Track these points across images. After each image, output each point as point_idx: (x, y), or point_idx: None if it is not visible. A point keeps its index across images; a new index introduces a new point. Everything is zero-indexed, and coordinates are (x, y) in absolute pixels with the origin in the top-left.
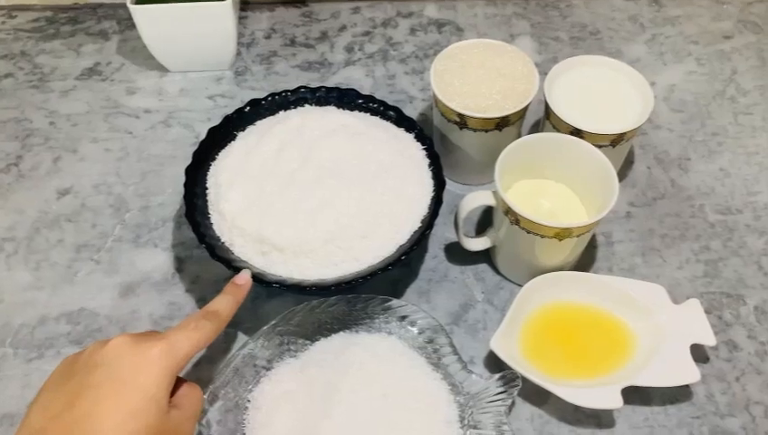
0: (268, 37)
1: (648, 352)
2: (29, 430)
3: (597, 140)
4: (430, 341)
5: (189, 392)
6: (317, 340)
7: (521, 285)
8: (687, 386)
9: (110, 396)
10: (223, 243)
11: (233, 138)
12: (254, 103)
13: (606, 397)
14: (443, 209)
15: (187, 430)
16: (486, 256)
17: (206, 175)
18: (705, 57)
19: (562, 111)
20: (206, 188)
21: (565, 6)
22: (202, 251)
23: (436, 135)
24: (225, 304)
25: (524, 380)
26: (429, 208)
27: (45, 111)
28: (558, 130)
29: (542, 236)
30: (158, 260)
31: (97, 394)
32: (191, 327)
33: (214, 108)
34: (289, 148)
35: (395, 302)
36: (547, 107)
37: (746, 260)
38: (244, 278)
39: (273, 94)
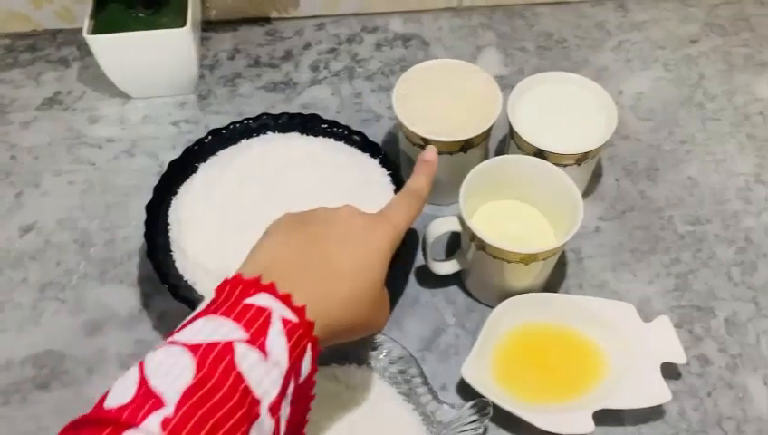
0: (232, 58)
1: (620, 372)
2: (269, 256)
3: (561, 160)
4: (402, 371)
5: None
6: None
7: (492, 307)
8: (660, 404)
9: (347, 247)
10: (186, 281)
11: (194, 170)
12: (214, 133)
13: (577, 422)
14: (411, 232)
15: (388, 307)
16: (457, 278)
17: (167, 210)
18: (673, 62)
19: (525, 131)
20: (168, 224)
21: (531, 15)
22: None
23: (402, 157)
24: (423, 181)
25: (496, 407)
26: None
27: (6, 144)
28: (522, 150)
29: (509, 262)
30: (125, 296)
31: (337, 241)
32: (404, 205)
33: (178, 134)
34: (252, 179)
35: None
36: (511, 127)
37: (716, 271)
38: (432, 153)
39: (234, 123)
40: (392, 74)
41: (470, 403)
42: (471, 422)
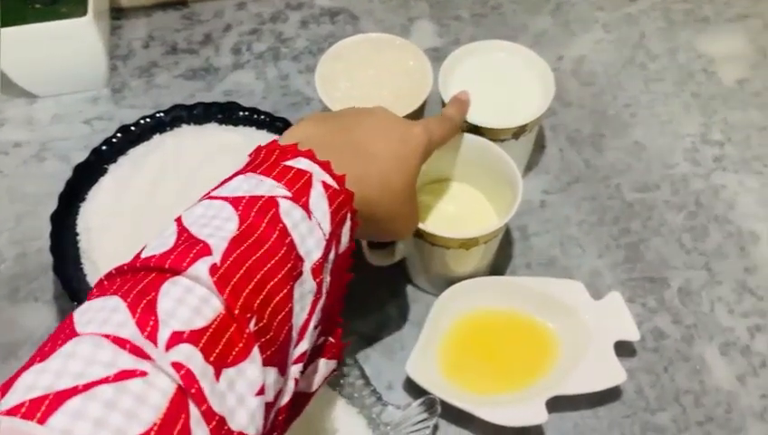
0: (146, 46)
1: (573, 354)
2: (303, 135)
3: (498, 135)
4: (344, 375)
5: None
6: None
7: (437, 295)
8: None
9: (383, 137)
10: None
11: (103, 172)
12: (124, 130)
13: (530, 412)
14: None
15: (417, 215)
16: (399, 268)
17: (76, 218)
18: (613, 23)
19: None
20: (77, 234)
21: None
22: None
23: None
24: (456, 111)
25: (446, 402)
26: None
27: None
28: None
29: (449, 248)
30: (40, 315)
31: (372, 130)
32: (440, 120)
33: (91, 133)
34: (166, 179)
35: None
36: (443, 103)
37: (667, 239)
38: (466, 95)
39: (144, 117)
40: (320, 53)
41: (417, 402)
42: (419, 422)
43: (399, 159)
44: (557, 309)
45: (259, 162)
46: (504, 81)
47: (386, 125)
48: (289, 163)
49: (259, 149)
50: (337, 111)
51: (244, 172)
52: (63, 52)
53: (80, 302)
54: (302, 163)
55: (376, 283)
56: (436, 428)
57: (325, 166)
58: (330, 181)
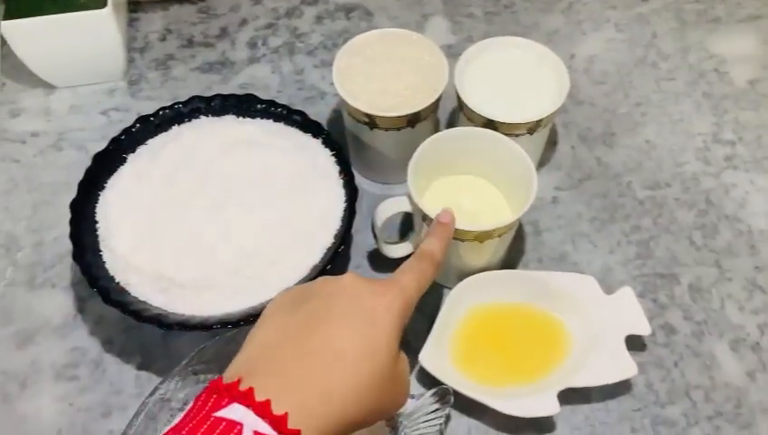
0: (163, 39)
1: (584, 347)
2: (260, 346)
3: (512, 130)
4: None
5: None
6: None
7: (450, 288)
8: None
9: (349, 325)
10: (118, 283)
11: (122, 161)
12: (142, 120)
13: (542, 404)
14: (364, 213)
15: (407, 379)
16: None
17: (95, 207)
18: (624, 22)
19: (474, 102)
20: (96, 222)
21: None
22: None
23: (348, 136)
24: (438, 245)
25: (458, 393)
26: (342, 222)
27: None
28: (472, 122)
29: (463, 240)
30: (58, 302)
31: (339, 320)
32: (415, 270)
33: (108, 124)
34: (184, 170)
35: None
36: (459, 99)
37: (678, 236)
38: (448, 216)
39: (163, 108)
40: (335, 48)
41: (430, 392)
42: (432, 411)
43: (369, 347)
44: (569, 303)
45: (195, 411)
46: (519, 76)
47: (355, 308)
48: (220, 414)
49: (204, 389)
50: (304, 291)
51: (175, 432)
52: (82, 43)
53: (99, 288)
54: (235, 412)
55: (389, 273)
56: (448, 418)
57: (262, 409)
58: (265, 429)
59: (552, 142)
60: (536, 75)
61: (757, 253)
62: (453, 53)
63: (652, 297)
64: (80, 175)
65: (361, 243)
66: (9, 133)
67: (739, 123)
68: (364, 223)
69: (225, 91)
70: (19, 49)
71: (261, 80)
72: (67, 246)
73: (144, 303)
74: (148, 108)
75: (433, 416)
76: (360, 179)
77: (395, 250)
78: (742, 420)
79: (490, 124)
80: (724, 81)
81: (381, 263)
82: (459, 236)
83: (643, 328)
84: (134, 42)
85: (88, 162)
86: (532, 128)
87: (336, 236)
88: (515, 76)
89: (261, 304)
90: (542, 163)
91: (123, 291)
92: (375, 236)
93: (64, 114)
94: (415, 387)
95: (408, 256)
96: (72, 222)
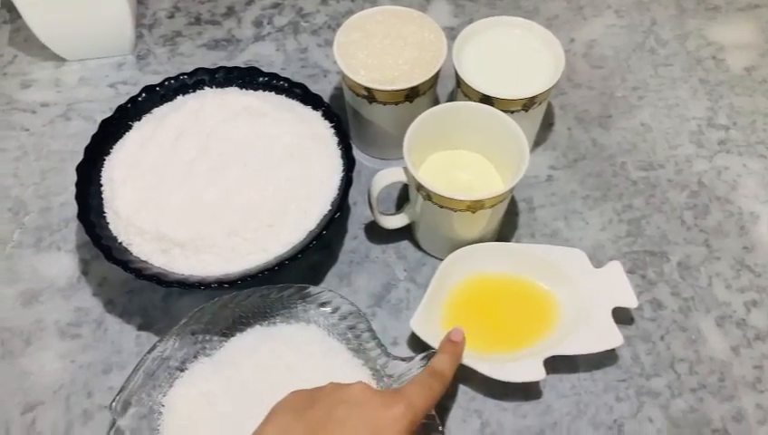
0: (171, 16)
1: (572, 318)
2: None
3: (508, 106)
4: (351, 327)
5: None
6: (232, 336)
7: (443, 260)
8: (614, 349)
9: (355, 433)
10: (120, 243)
11: (128, 129)
12: (148, 90)
13: (529, 369)
14: (362, 187)
15: None
16: (408, 233)
17: (100, 171)
18: (624, 8)
19: (471, 77)
20: (102, 185)
21: None
22: None
23: (348, 110)
24: (447, 363)
25: None
26: (339, 190)
27: None
28: (469, 98)
29: (456, 210)
30: (62, 264)
31: (343, 429)
32: (425, 386)
33: (116, 96)
34: (187, 136)
35: (312, 289)
36: (457, 74)
37: (669, 216)
38: (459, 334)
39: (168, 79)
40: (339, 28)
41: (420, 355)
42: None
43: None
44: (558, 275)
45: None
46: (516, 55)
47: (358, 421)
48: None
49: None
50: (313, 395)
51: None
52: (93, 17)
53: (102, 247)
54: None
55: (385, 245)
56: None
57: None
58: None
59: (548, 123)
60: (533, 54)
61: (746, 233)
62: (454, 35)
63: (641, 273)
64: (87, 143)
65: (359, 215)
66: (20, 103)
67: (734, 109)
68: (362, 197)
69: None
70: (31, 20)
71: (265, 57)
72: (73, 211)
73: (145, 262)
74: (155, 81)
75: None
76: (358, 155)
77: (391, 221)
78: (725, 393)
79: (486, 100)
80: (721, 67)
81: (377, 234)
82: (452, 205)
83: (630, 301)
84: (143, 18)
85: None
86: (527, 104)
87: (333, 204)
88: (512, 54)
89: (257, 266)
90: (537, 143)
91: (126, 251)
92: (371, 206)
93: (74, 86)
94: (405, 351)
95: (402, 228)
96: (78, 184)
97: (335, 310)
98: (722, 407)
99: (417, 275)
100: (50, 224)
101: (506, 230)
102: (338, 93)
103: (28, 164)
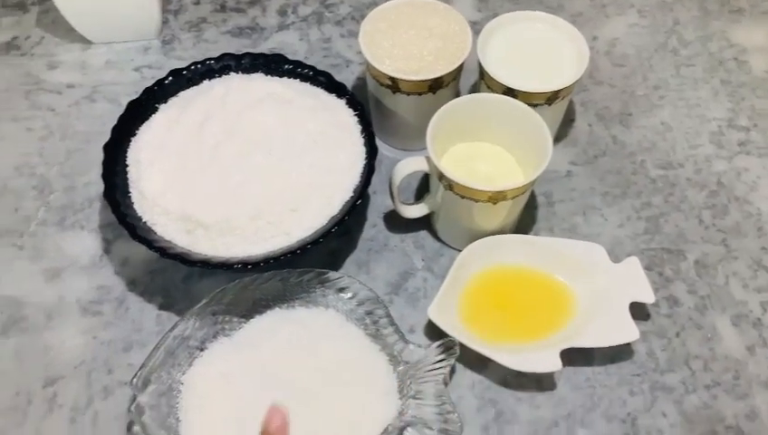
0: (197, 3)
1: (589, 312)
2: None
3: (531, 99)
4: (369, 313)
5: None
6: (252, 318)
7: (461, 251)
8: (629, 344)
9: None
10: (145, 222)
11: (154, 111)
12: (175, 73)
13: (545, 360)
14: (382, 176)
15: None
16: (426, 223)
17: (126, 151)
18: (647, 8)
19: (495, 70)
20: (127, 166)
21: None
22: None
23: (371, 100)
24: None
25: (463, 347)
26: (362, 177)
27: None
28: (492, 90)
29: (477, 201)
30: (86, 242)
31: None
32: None
33: (141, 80)
34: (212, 120)
35: (332, 274)
36: (481, 67)
37: (687, 214)
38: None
39: (195, 63)
40: (362, 19)
41: (437, 343)
42: (438, 362)
43: None
44: (576, 268)
45: None
46: (541, 49)
47: None
48: None
49: None
50: None
51: None
52: (121, 1)
53: (127, 225)
54: None
55: (403, 235)
56: (453, 370)
57: None
58: None
59: (569, 119)
60: (557, 49)
61: (765, 234)
62: (478, 29)
63: (658, 271)
64: (111, 126)
65: (379, 204)
66: (46, 84)
67: (755, 111)
68: (382, 186)
69: None
70: (60, 3)
71: (289, 46)
72: (97, 190)
73: (169, 242)
74: (180, 66)
75: (438, 365)
76: (380, 145)
77: (411, 210)
78: (739, 391)
79: (510, 92)
80: (743, 69)
81: (396, 223)
82: (473, 196)
83: (647, 296)
84: (169, 4)
85: (120, 114)
86: (551, 98)
87: (355, 191)
88: (537, 48)
89: (280, 248)
90: (558, 138)
91: (150, 230)
92: (392, 195)
93: (99, 69)
94: (421, 339)
95: (421, 218)
96: (105, 163)
97: (353, 295)
98: (735, 405)
99: (435, 265)
100: (74, 203)
101: (525, 224)
102: (360, 84)
103: (53, 144)
